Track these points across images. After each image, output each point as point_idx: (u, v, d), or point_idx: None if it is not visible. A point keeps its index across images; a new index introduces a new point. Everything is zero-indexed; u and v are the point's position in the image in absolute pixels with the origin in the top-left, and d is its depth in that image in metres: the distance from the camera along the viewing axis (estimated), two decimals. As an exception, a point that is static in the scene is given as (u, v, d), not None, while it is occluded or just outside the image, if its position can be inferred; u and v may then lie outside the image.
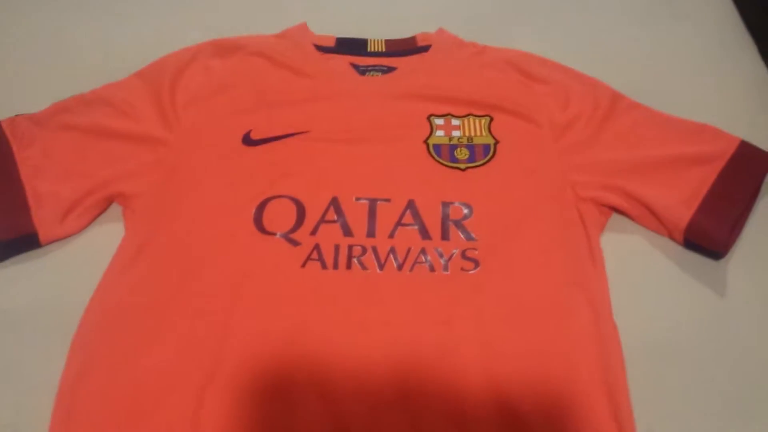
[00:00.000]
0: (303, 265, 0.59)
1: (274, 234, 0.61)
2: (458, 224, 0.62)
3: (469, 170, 0.66)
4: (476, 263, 0.60)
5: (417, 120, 0.70)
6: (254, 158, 0.66)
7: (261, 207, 0.63)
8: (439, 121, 0.70)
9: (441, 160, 0.67)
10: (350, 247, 0.60)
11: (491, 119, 0.70)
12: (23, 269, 0.63)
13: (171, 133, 0.68)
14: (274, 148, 0.67)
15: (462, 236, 0.61)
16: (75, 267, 0.63)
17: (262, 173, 0.65)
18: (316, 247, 0.60)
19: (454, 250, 0.60)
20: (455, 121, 0.70)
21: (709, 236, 0.62)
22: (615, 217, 0.66)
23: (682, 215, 0.62)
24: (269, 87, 0.72)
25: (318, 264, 0.59)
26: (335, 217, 0.62)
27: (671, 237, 0.64)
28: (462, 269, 0.59)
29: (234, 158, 0.66)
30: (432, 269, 0.59)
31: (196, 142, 0.67)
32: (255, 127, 0.68)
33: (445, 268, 0.59)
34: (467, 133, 0.69)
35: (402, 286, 0.58)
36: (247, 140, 0.68)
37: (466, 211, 0.63)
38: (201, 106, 0.70)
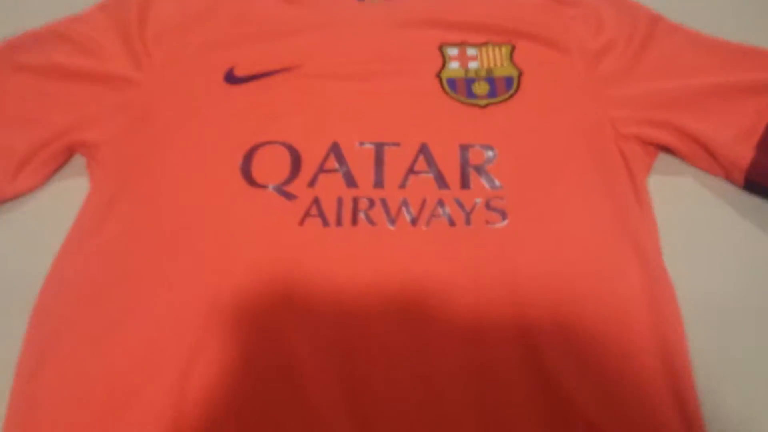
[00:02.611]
0: (301, 223, 0.51)
1: (265, 186, 0.52)
2: (480, 170, 0.53)
3: (490, 107, 0.57)
4: (503, 215, 0.51)
5: (427, 51, 0.60)
6: (239, 98, 0.57)
7: (249, 155, 0.54)
8: (453, 52, 0.60)
9: (457, 97, 0.58)
10: (355, 200, 0.51)
11: (513, 47, 0.60)
12: (-29, 234, 0.54)
13: (141, 71, 0.58)
14: (261, 86, 0.58)
15: (485, 184, 0.53)
16: (32, 230, 0.54)
17: (248, 115, 0.56)
18: (316, 201, 0.51)
19: (477, 200, 0.52)
20: (471, 51, 0.60)
21: (775, 175, 0.53)
22: (662, 157, 0.57)
23: (742, 152, 0.53)
24: (254, 16, 0.62)
25: (318, 220, 0.51)
26: (336, 166, 0.53)
27: (728, 178, 0.55)
28: (487, 222, 0.51)
29: (215, 99, 0.57)
30: (452, 223, 0.51)
31: (170, 82, 0.58)
32: (239, 62, 0.59)
33: (467, 222, 0.51)
34: (486, 65, 0.60)
35: (418, 244, 0.50)
36: (230, 77, 0.58)
37: (488, 154, 0.54)
38: (175, 39, 0.60)
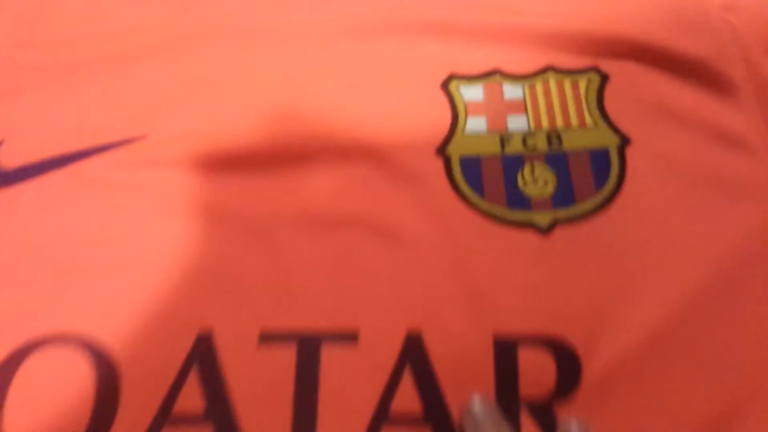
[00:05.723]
0: None
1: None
2: (548, 409, 0.22)
3: (561, 229, 0.25)
4: None
5: (419, 92, 0.28)
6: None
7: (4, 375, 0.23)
8: (474, 93, 0.28)
9: (483, 204, 0.26)
10: None
11: (605, 79, 0.28)
12: None
13: None
14: (39, 192, 0.27)
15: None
16: None
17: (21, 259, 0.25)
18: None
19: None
20: (513, 90, 0.28)
21: None
22: None
23: None
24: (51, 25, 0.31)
25: None
26: (200, 403, 0.22)
27: None
28: None
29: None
30: None
31: None
32: (7, 136, 0.28)
33: None
34: (547, 121, 0.28)
35: None
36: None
37: (564, 364, 0.23)
38: None
